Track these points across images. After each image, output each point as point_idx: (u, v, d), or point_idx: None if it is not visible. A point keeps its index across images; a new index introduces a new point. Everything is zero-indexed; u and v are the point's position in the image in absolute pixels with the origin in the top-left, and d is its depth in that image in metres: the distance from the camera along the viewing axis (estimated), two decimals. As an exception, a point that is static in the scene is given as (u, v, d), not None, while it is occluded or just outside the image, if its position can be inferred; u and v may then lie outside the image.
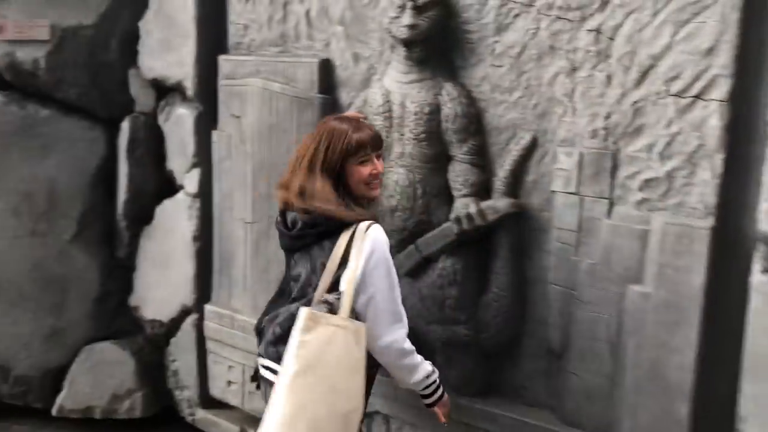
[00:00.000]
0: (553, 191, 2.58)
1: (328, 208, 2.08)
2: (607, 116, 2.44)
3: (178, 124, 3.58)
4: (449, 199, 2.77)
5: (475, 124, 2.71)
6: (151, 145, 3.74)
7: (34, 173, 3.68)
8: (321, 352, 1.94)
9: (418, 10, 2.65)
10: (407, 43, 2.68)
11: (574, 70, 2.50)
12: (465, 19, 2.70)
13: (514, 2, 2.59)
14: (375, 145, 2.19)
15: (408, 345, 2.17)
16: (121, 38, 3.72)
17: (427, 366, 2.26)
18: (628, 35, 2.37)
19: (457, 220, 2.69)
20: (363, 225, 2.09)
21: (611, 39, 2.40)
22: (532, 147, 2.61)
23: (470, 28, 2.69)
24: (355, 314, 2.06)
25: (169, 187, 3.74)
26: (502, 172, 2.67)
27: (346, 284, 2.02)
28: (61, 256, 3.79)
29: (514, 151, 2.65)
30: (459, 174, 2.71)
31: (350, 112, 2.59)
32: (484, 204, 2.66)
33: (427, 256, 2.79)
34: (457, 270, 2.74)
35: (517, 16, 2.59)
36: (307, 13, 3.09)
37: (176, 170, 3.68)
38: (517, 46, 2.60)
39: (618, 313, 2.44)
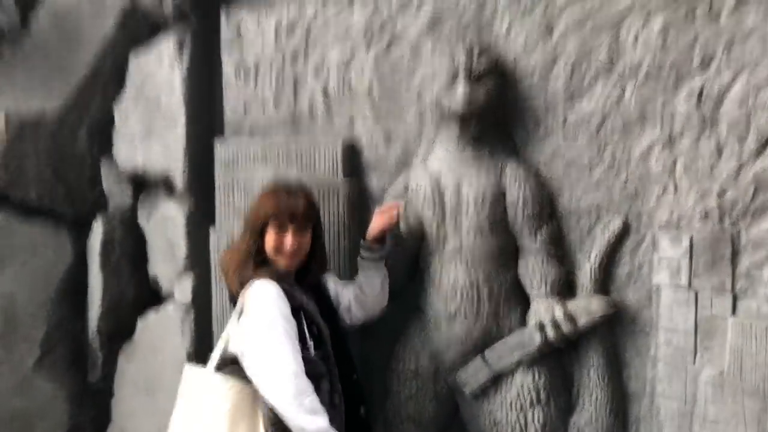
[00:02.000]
0: (657, 285, 2.15)
1: (223, 271, 2.18)
2: (722, 193, 2.05)
3: (165, 222, 3.07)
4: (522, 300, 2.33)
5: (548, 208, 2.29)
6: (129, 248, 3.23)
7: (-13, 290, 3.11)
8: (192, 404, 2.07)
9: (473, 78, 2.23)
10: (462, 118, 2.25)
11: (672, 140, 2.11)
12: (526, 87, 2.30)
13: (589, 65, 2.20)
14: (291, 217, 2.11)
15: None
16: (91, 126, 3.22)
17: None
18: (740, 99, 2.00)
19: (540, 327, 2.22)
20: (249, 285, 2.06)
21: (718, 103, 2.03)
22: (623, 233, 2.21)
23: (533, 96, 2.30)
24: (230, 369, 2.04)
25: (152, 297, 3.21)
26: (587, 264, 2.24)
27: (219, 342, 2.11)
28: (22, 387, 3.19)
29: (601, 238, 2.23)
30: (535, 269, 2.26)
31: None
32: (573, 305, 2.21)
33: (499, 372, 2.30)
34: (540, 387, 2.27)
35: (593, 81, 2.21)
36: (325, 88, 2.65)
37: (162, 277, 3.14)
38: (596, 115, 2.22)
39: (761, 434, 1.98)
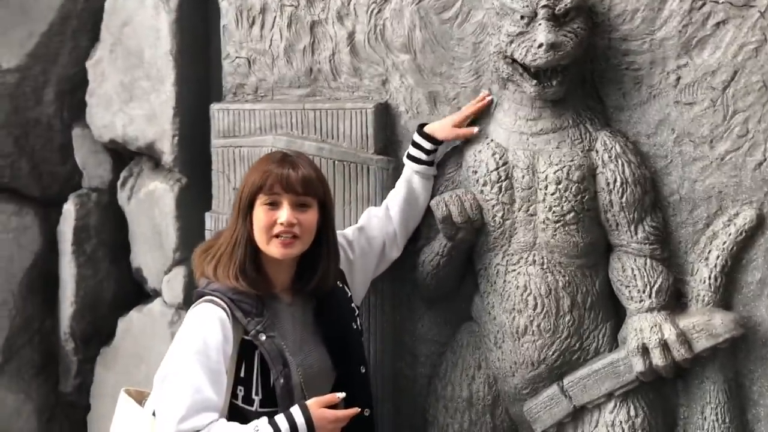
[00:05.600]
0: (804, 298, 1.66)
1: (196, 273, 1.80)
2: None
3: (150, 203, 2.63)
4: (613, 314, 1.89)
5: (651, 194, 1.84)
6: (108, 233, 2.84)
7: (-65, 284, 2.81)
8: None
9: (556, 20, 1.74)
10: (540, 74, 1.77)
11: (833, 106, 1.62)
12: (623, 34, 1.85)
13: (715, 2, 1.71)
14: (288, 185, 1.70)
15: None
16: (59, 86, 2.82)
17: None
18: None
19: (643, 350, 1.75)
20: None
21: None
22: (755, 228, 1.77)
23: (633, 48, 1.84)
24: None
25: (135, 293, 2.82)
26: (705, 268, 1.78)
27: None
28: (-20, 400, 2.91)
29: (725, 235, 1.78)
30: (635, 274, 1.81)
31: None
32: (687, 323, 1.77)
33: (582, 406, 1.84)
34: (638, 426, 1.82)
35: (721, 24, 1.77)
36: (350, 36, 2.17)
37: (147, 269, 2.72)
38: (723, 70, 1.79)
39: None
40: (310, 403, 1.59)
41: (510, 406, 1.95)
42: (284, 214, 1.67)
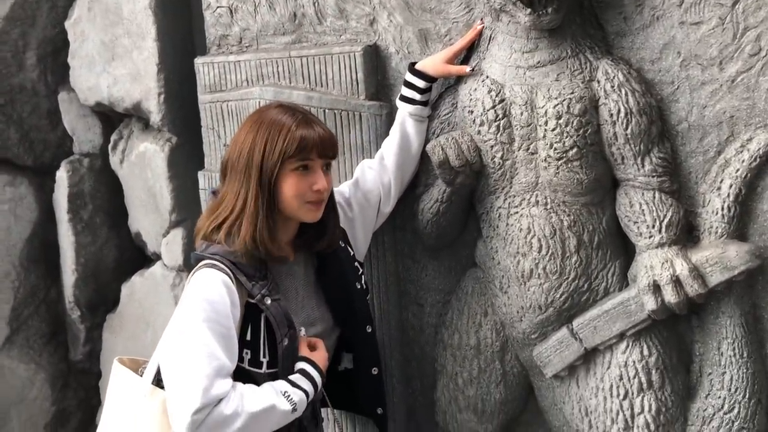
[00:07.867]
0: (822, 224, 1.55)
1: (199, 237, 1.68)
2: None
3: (143, 166, 2.53)
4: (623, 251, 1.78)
5: (658, 123, 1.70)
6: (104, 199, 2.77)
7: (-66, 260, 2.73)
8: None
9: (548, -59, 1.59)
10: (534, 1, 1.64)
11: None
12: None
13: None
14: (323, 150, 1.64)
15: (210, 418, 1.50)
16: (40, 49, 2.71)
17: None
18: None
19: (654, 288, 1.65)
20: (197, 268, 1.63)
21: None
22: None
23: None
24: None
25: (139, 258, 2.76)
26: (717, 199, 1.66)
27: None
28: (-10, 372, 2.86)
29: (737, 162, 1.64)
30: (643, 209, 1.69)
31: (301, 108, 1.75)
32: (700, 257, 1.65)
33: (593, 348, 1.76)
34: (652, 366, 1.72)
35: (728, -67, 1.58)
36: None
37: (146, 233, 2.64)
38: None
39: None
40: (304, 352, 1.61)
41: (519, 352, 1.87)
42: (321, 180, 1.62)
